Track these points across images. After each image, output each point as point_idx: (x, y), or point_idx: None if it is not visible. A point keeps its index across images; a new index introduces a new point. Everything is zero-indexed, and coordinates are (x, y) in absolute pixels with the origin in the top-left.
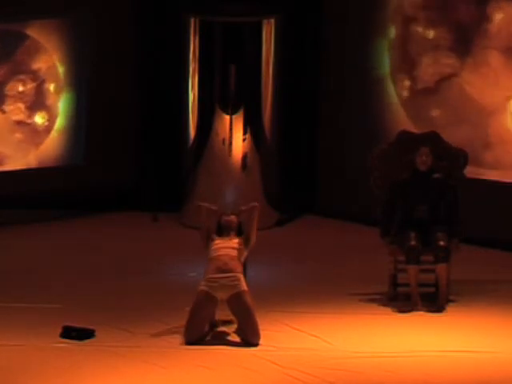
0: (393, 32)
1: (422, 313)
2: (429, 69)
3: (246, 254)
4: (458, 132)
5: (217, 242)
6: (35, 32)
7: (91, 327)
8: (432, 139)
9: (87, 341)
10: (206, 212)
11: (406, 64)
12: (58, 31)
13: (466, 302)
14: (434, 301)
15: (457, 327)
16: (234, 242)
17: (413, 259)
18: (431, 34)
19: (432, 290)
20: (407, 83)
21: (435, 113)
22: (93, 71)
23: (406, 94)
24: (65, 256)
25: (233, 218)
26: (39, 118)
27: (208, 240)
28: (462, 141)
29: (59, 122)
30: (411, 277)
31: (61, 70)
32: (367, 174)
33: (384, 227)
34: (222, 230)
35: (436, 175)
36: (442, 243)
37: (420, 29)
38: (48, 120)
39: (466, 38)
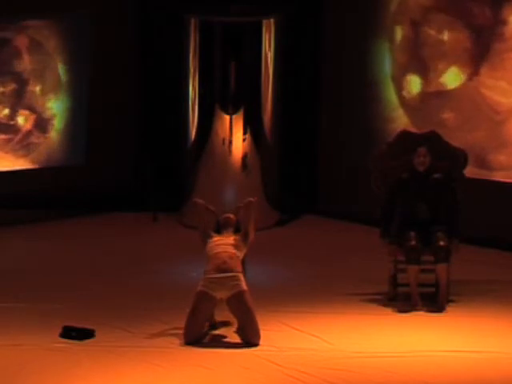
0: (399, 34)
1: (422, 313)
2: (441, 72)
3: (245, 250)
4: (471, 135)
5: (215, 239)
6: (34, 32)
7: (91, 327)
8: (432, 139)
9: (87, 341)
10: (203, 210)
11: (415, 66)
12: (58, 31)
13: (466, 301)
14: (434, 301)
15: (457, 327)
16: (232, 238)
17: (413, 259)
18: (445, 37)
19: (432, 290)
20: (417, 85)
21: (447, 115)
22: (93, 71)
23: (415, 95)
24: (65, 256)
25: (231, 215)
26: (22, 120)
27: (205, 237)
28: (475, 143)
29: (58, 123)
30: (411, 277)
31: (60, 70)
32: (367, 173)
33: (384, 227)
34: (221, 228)
35: (436, 175)
36: (441, 243)
37: (432, 32)
38: (35, 121)
39: (481, 42)
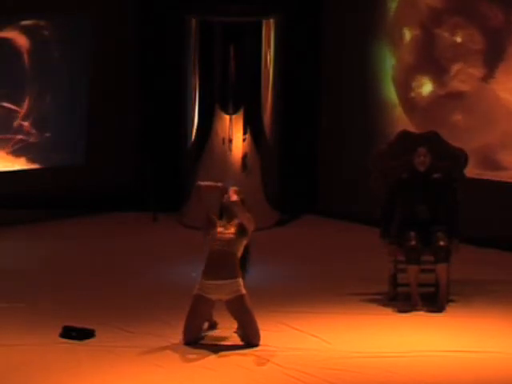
0: (407, 35)
1: (422, 313)
2: (454, 73)
3: (244, 242)
4: (483, 136)
5: (216, 230)
6: (34, 32)
7: (91, 327)
8: (432, 139)
9: (87, 341)
10: (209, 190)
11: (426, 68)
12: (58, 31)
13: (466, 302)
14: (434, 301)
15: (457, 327)
16: (232, 231)
17: (413, 259)
18: (458, 39)
19: (432, 290)
20: (428, 87)
21: (460, 117)
22: (93, 71)
23: (425, 97)
24: (65, 256)
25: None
26: (22, 120)
27: (209, 225)
28: (487, 145)
29: (58, 122)
30: (411, 277)
31: (60, 70)
32: (367, 173)
33: (384, 227)
34: (224, 212)
35: (436, 175)
36: (442, 243)
37: (445, 34)
38: (34, 121)
39: (493, 44)
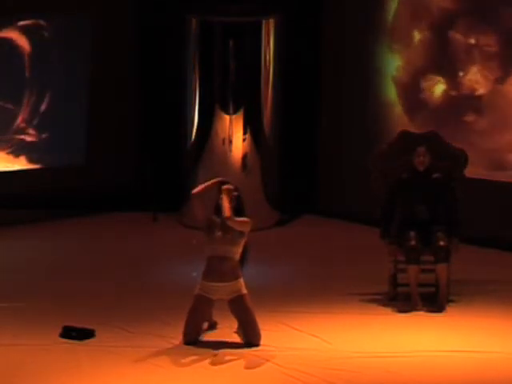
0: (416, 37)
1: (422, 313)
2: (467, 75)
3: (243, 242)
4: (497, 138)
5: (215, 234)
6: (34, 32)
7: (91, 327)
8: (432, 139)
9: (87, 341)
10: (205, 192)
11: (438, 69)
12: (58, 31)
13: (466, 302)
14: (434, 301)
15: (457, 327)
16: (230, 235)
17: (413, 259)
18: (471, 40)
19: (432, 290)
20: (440, 88)
21: (473, 118)
22: (93, 71)
23: (437, 98)
24: (65, 256)
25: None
26: (23, 120)
27: (209, 227)
28: (501, 146)
29: (58, 122)
30: (411, 277)
31: (60, 69)
32: (367, 173)
33: (384, 227)
34: (219, 212)
35: (435, 175)
36: (442, 243)
37: (457, 35)
38: (34, 120)
39: (507, 46)
